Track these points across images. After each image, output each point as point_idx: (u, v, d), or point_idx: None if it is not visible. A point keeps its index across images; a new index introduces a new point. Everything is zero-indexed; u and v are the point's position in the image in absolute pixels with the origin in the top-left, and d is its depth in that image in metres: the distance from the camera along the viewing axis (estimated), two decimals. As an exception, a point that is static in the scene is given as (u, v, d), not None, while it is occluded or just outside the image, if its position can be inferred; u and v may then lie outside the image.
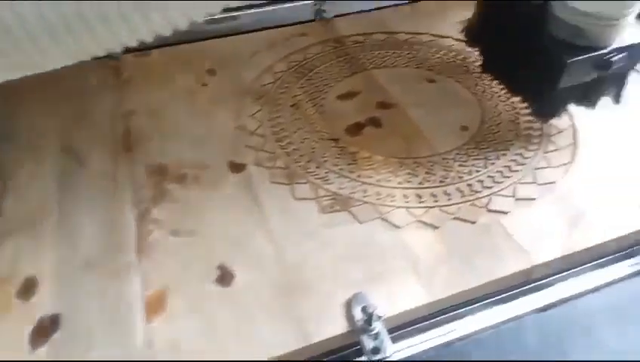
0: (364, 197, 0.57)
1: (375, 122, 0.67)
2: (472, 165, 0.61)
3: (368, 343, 0.44)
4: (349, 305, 0.46)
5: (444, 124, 0.66)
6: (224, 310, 0.47)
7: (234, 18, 0.87)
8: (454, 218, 0.55)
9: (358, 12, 0.89)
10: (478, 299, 0.49)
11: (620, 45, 0.56)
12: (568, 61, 0.54)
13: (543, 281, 0.51)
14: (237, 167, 0.61)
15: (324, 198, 0.57)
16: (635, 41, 0.56)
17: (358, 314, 0.45)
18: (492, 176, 0.59)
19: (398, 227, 0.54)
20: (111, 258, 0.51)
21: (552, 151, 0.62)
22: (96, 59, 0.43)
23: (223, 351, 0.44)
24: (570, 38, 0.56)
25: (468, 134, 0.65)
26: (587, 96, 0.61)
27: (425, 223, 0.54)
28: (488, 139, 0.64)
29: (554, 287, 0.51)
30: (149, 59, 0.79)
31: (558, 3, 0.56)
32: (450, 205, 0.56)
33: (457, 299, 0.48)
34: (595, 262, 0.53)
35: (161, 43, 0.82)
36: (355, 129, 0.66)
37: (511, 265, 0.50)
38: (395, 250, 0.52)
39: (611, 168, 0.60)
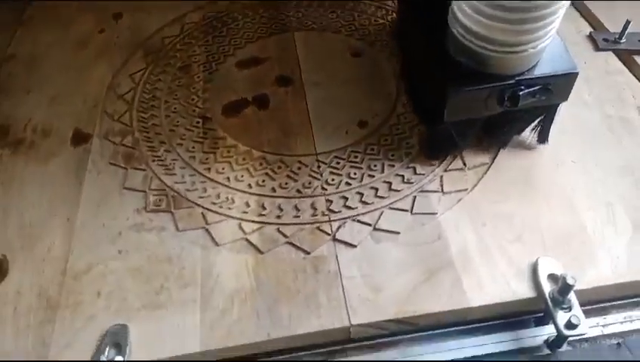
0: (200, 198, 0.48)
1: (262, 102, 0.56)
2: (347, 174, 0.48)
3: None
4: (103, 340, 0.39)
5: (340, 115, 0.53)
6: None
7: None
8: (287, 242, 0.44)
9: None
10: (269, 354, 0.40)
11: (531, 76, 0.41)
12: (452, 91, 0.42)
13: (366, 343, 0.40)
14: (80, 138, 0.53)
15: (154, 192, 0.48)
16: (554, 72, 0.41)
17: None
18: (361, 194, 0.47)
19: (217, 244, 0.44)
20: None
21: (456, 169, 0.48)
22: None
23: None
24: (471, 64, 0.42)
25: (363, 132, 0.52)
26: (496, 132, 0.47)
27: (250, 244, 0.44)
28: (384, 142, 0.51)
29: (382, 353, 0.40)
30: (62, -6, 0.70)
31: (458, 20, 0.41)
32: (293, 224, 0.45)
33: (234, 353, 0.39)
34: (444, 331, 0.41)
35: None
36: (235, 108, 0.55)
37: (321, 321, 0.39)
38: (197, 274, 0.42)
39: (516, 211, 0.45)
